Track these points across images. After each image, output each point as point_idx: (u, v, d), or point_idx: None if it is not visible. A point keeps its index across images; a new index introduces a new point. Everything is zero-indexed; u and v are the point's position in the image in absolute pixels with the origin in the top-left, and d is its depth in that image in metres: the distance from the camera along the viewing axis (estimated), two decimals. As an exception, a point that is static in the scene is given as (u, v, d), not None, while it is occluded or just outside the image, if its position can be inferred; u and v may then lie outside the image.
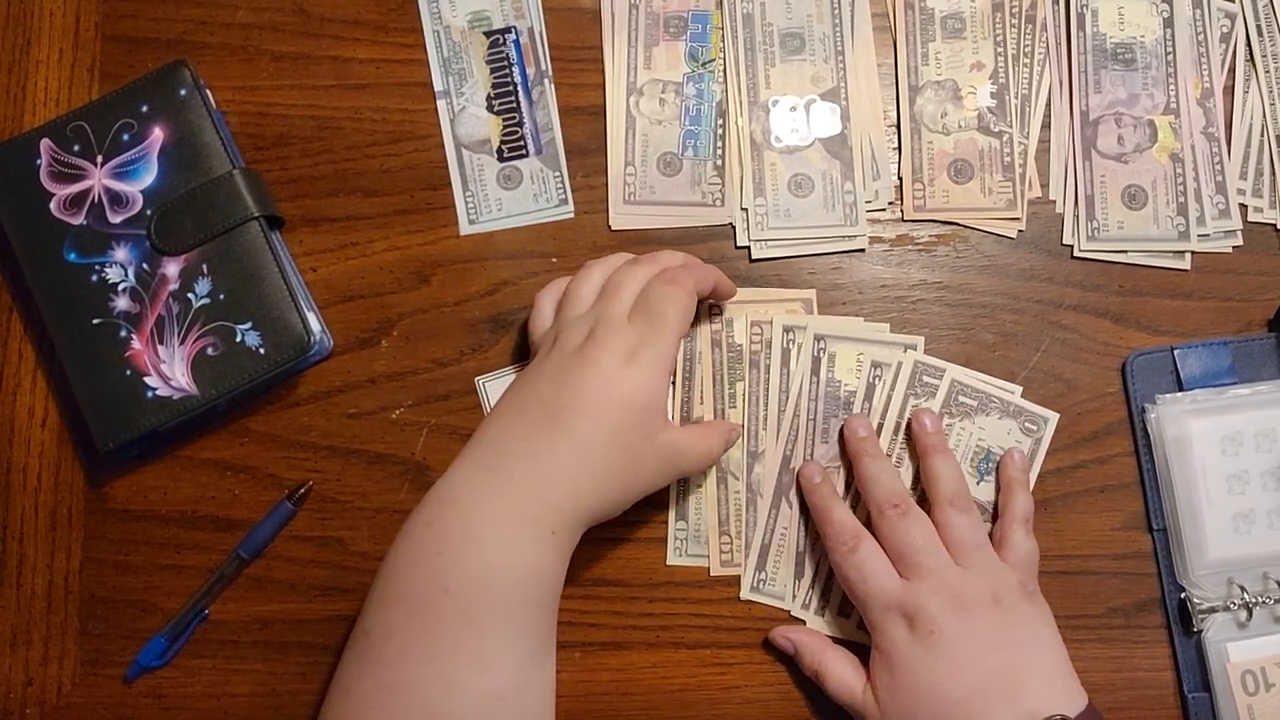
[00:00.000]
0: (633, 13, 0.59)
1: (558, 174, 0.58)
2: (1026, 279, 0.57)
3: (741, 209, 0.58)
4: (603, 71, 0.59)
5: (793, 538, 0.55)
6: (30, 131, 0.56)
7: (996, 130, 0.58)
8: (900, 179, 0.58)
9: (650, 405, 0.47)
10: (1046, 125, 0.59)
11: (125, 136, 0.55)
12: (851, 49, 0.59)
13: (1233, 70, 0.59)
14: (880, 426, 0.55)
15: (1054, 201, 0.58)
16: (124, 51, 0.59)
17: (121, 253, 0.55)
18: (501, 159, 0.58)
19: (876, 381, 0.56)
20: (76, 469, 0.56)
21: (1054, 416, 0.55)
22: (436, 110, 0.59)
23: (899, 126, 0.58)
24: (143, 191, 0.55)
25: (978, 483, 0.55)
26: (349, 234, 0.58)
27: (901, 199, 0.58)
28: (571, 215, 0.58)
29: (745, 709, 0.54)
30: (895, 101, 0.59)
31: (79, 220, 0.55)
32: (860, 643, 0.53)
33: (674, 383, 0.56)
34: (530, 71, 0.59)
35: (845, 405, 0.56)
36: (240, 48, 0.59)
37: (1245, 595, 0.53)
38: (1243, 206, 0.58)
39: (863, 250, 0.57)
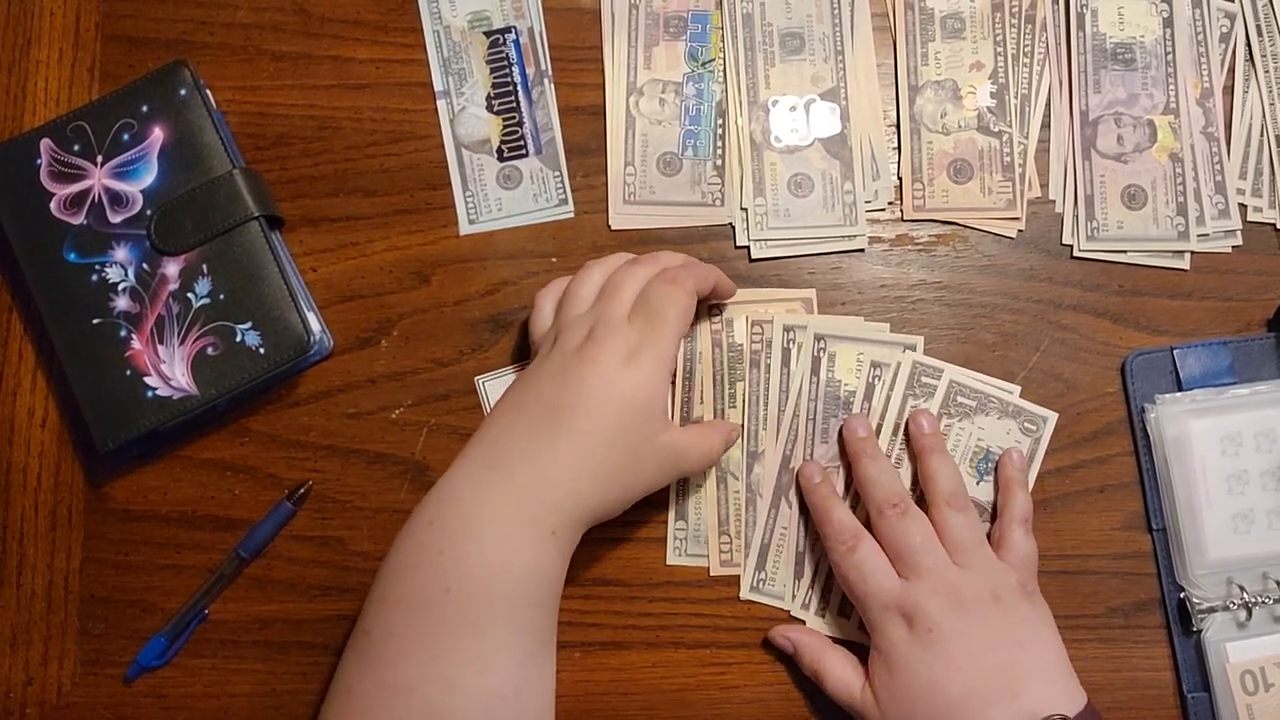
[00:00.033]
0: (633, 13, 0.59)
1: (557, 174, 0.58)
2: (1026, 279, 0.57)
3: (741, 209, 0.58)
4: (603, 71, 0.59)
5: (792, 538, 0.55)
6: (30, 131, 0.56)
7: (996, 130, 0.58)
8: (900, 179, 0.58)
9: (651, 405, 0.47)
10: (1046, 125, 0.59)
11: (125, 136, 0.55)
12: (851, 49, 0.59)
13: (1232, 70, 0.59)
14: (879, 427, 0.55)
15: (1053, 201, 0.58)
16: (124, 51, 0.59)
17: (121, 253, 0.55)
18: (501, 159, 0.58)
19: (876, 382, 0.56)
20: (76, 469, 0.56)
21: (1053, 416, 0.55)
22: (436, 110, 0.59)
23: (899, 126, 0.58)
24: (143, 191, 0.55)
25: (977, 483, 0.55)
26: (349, 234, 0.58)
27: (901, 199, 0.58)
28: (571, 215, 0.58)
29: (745, 709, 0.54)
30: (895, 101, 0.59)
31: (79, 220, 0.55)
32: (860, 642, 0.53)
33: (674, 383, 0.56)
34: (530, 71, 0.59)
35: (845, 405, 0.56)
36: (240, 48, 0.59)
37: (1245, 595, 0.53)
38: (1242, 206, 0.58)
39: (862, 250, 0.57)
